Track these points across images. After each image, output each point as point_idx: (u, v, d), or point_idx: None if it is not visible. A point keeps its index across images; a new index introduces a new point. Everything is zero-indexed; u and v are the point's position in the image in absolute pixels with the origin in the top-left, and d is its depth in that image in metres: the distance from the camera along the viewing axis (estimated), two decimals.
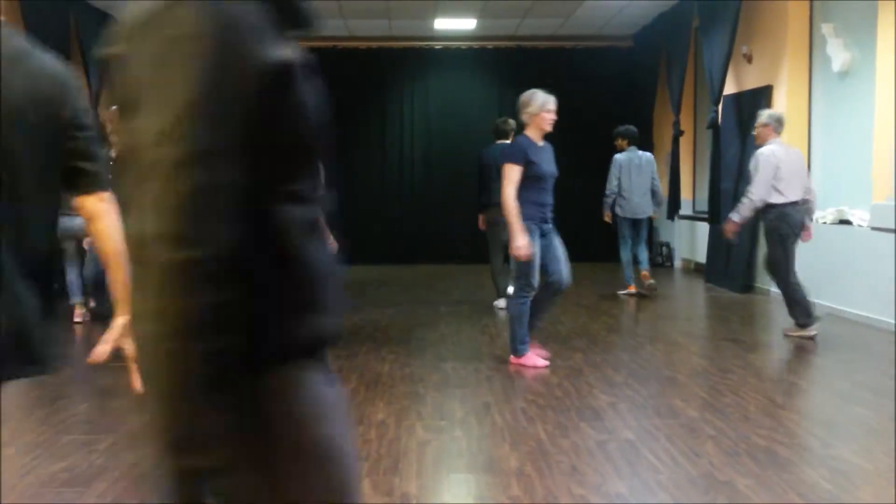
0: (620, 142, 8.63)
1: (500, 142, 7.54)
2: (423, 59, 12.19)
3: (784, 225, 5.95)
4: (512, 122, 7.50)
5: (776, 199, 5.95)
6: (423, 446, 3.77)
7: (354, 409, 4.39)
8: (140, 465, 3.41)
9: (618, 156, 8.56)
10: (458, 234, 11.75)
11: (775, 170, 5.94)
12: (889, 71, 6.50)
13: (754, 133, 6.47)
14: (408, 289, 9.30)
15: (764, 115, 6.34)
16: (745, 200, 6.14)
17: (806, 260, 7.80)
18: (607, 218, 8.54)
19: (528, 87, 12.87)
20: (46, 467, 3.51)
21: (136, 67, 1.02)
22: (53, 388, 4.87)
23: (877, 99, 6.75)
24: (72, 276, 6.79)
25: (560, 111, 13.18)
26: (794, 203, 5.96)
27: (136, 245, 0.97)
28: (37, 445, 3.81)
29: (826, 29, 7.56)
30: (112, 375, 5.26)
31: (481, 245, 11.43)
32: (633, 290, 8.46)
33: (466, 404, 4.50)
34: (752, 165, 6.17)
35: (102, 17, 10.24)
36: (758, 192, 5.99)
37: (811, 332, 6.01)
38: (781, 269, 6.00)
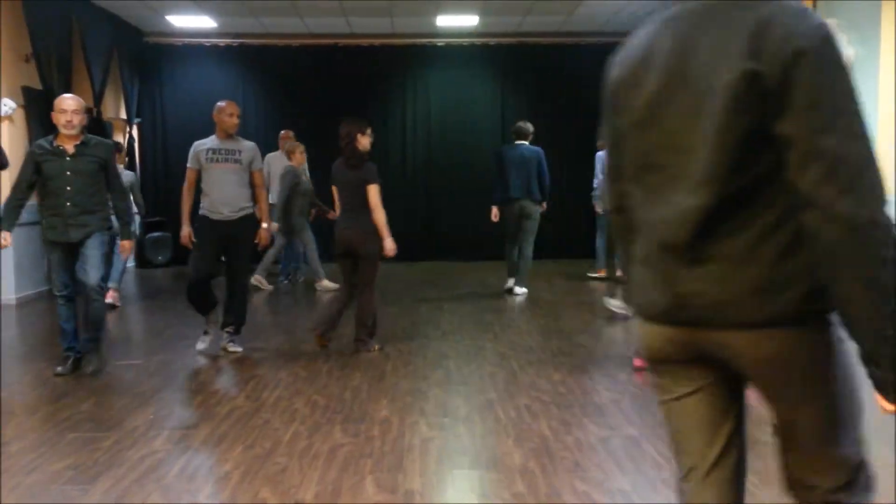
0: (601, 143, 9.13)
1: (520, 142, 8.33)
2: (425, 56, 12.17)
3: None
4: (530, 125, 8.38)
5: None
6: (426, 443, 3.77)
7: (358, 407, 4.40)
8: None
9: (601, 153, 8.99)
10: (460, 230, 11.75)
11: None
12: (892, 67, 6.48)
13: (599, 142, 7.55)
14: (409, 286, 9.29)
15: None
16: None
17: None
18: (599, 209, 9.03)
19: (531, 85, 12.91)
20: (51, 465, 3.52)
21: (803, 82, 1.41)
22: (57, 386, 4.88)
23: (880, 95, 6.73)
24: None
25: (562, 109, 13.24)
26: None
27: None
28: (41, 443, 3.82)
29: (830, 24, 7.54)
30: (116, 373, 5.27)
31: (483, 241, 11.47)
32: (602, 273, 9.06)
33: (470, 401, 4.50)
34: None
35: (104, 17, 10.25)
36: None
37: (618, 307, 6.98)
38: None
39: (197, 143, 5.70)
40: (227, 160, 5.61)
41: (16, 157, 8.35)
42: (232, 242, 5.63)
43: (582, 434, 3.88)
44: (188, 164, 5.68)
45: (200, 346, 5.80)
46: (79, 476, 3.38)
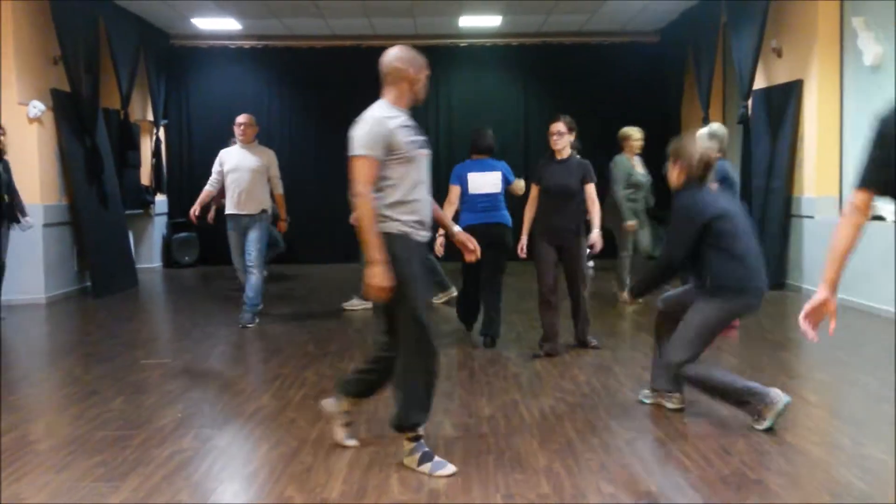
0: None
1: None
2: (447, 57, 12.17)
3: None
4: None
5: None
6: (450, 443, 3.77)
7: (382, 406, 4.41)
8: None
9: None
10: None
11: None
12: None
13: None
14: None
15: None
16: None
17: None
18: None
19: (554, 84, 12.87)
20: (81, 462, 3.57)
21: None
22: (87, 384, 4.95)
23: None
24: None
25: (585, 108, 13.16)
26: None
27: None
28: (71, 441, 3.87)
29: (857, 22, 7.45)
30: (145, 371, 5.33)
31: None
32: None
33: (494, 401, 4.50)
34: None
35: (131, 19, 10.37)
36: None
37: (366, 304, 7.46)
38: None
39: (390, 116, 3.49)
40: (425, 144, 3.66)
41: (45, 160, 8.48)
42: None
43: (608, 436, 3.87)
44: (367, 152, 3.38)
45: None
46: (108, 473, 3.43)
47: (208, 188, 7.17)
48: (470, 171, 6.02)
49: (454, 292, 7.74)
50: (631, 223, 7.53)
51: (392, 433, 3.91)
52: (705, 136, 6.01)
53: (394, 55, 3.55)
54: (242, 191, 6.90)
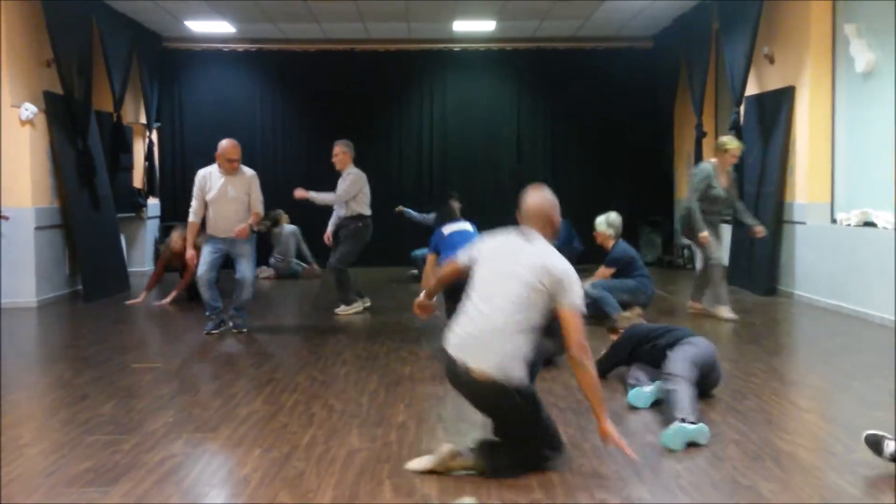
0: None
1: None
2: (441, 61, 12.19)
3: (367, 231, 7.81)
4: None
5: (366, 211, 7.82)
6: (443, 449, 3.76)
7: (375, 411, 4.41)
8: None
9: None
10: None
11: (360, 190, 7.75)
12: None
13: (335, 160, 7.87)
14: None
15: (345, 145, 7.87)
16: (331, 195, 7.83)
17: (829, 263, 7.71)
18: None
19: (548, 89, 12.87)
20: (71, 467, 3.55)
21: None
22: (78, 388, 4.92)
23: None
24: None
25: (580, 113, 13.13)
26: (370, 216, 7.85)
27: None
28: (61, 445, 3.85)
29: (849, 29, 7.49)
30: (136, 376, 5.31)
31: None
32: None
33: None
34: (342, 180, 7.77)
35: (124, 22, 10.34)
36: (341, 197, 7.75)
37: (356, 308, 7.83)
38: (347, 260, 7.74)
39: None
40: None
41: (37, 162, 8.45)
42: None
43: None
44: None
45: None
46: (99, 478, 3.40)
47: (194, 220, 6.65)
48: (443, 226, 6.28)
49: (368, 302, 8.08)
50: (703, 234, 7.01)
51: (380, 436, 3.90)
52: (603, 224, 7.21)
53: (544, 200, 3.61)
54: (223, 219, 6.59)
